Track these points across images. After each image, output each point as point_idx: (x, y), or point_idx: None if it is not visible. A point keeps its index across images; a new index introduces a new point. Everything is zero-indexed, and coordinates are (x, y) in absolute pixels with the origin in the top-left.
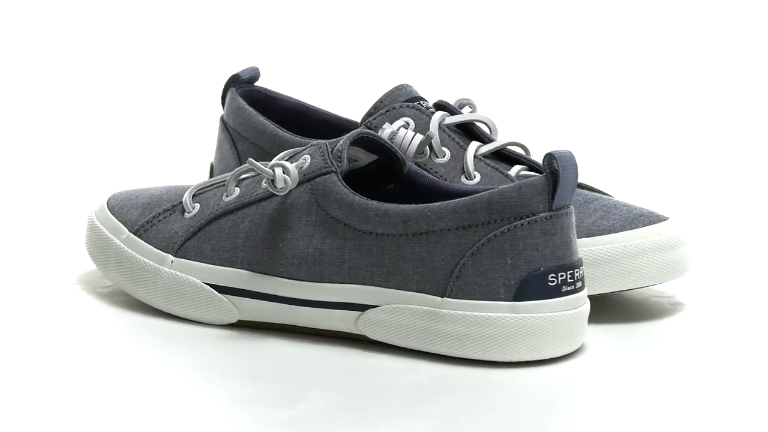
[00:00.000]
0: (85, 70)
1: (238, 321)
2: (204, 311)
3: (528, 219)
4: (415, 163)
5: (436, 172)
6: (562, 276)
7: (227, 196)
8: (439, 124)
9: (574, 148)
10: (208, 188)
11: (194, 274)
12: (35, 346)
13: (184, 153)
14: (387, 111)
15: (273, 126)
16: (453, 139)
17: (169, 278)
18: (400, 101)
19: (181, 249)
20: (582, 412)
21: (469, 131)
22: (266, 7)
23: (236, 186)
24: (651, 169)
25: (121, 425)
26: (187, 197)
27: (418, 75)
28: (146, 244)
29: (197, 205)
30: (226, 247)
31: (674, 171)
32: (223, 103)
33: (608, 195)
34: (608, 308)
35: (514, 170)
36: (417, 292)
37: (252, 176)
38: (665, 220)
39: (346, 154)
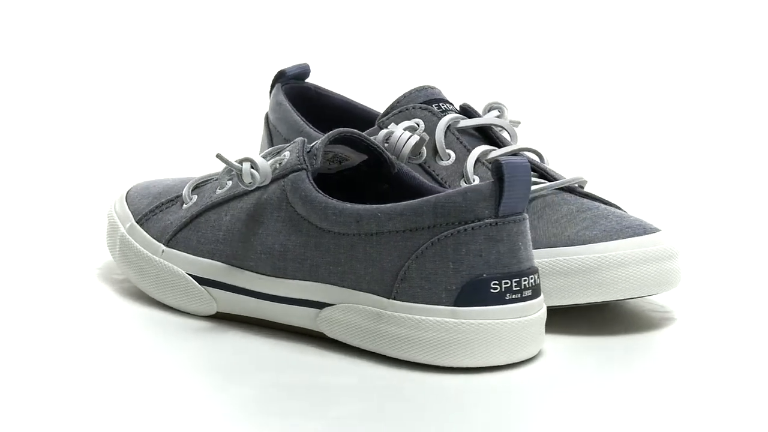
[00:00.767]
0: (142, 64)
1: (217, 313)
2: (187, 301)
3: (472, 224)
4: (418, 165)
5: (438, 175)
6: (506, 283)
7: (220, 189)
8: (448, 126)
9: (607, 161)
10: (207, 181)
11: (180, 265)
12: (36, 331)
13: (234, 148)
14: (400, 111)
15: (303, 122)
16: (461, 142)
17: (158, 267)
18: (417, 102)
19: (172, 240)
20: (508, 422)
21: (486, 135)
22: (323, 6)
23: (228, 180)
24: (673, 180)
25: (107, 408)
26: (186, 189)
27: (473, 78)
28: (145, 233)
29: (194, 197)
30: (209, 239)
31: (692, 181)
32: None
33: (617, 207)
34: (589, 319)
35: None
36: (368, 292)
37: None
38: (655, 232)
39: (321, 153)
